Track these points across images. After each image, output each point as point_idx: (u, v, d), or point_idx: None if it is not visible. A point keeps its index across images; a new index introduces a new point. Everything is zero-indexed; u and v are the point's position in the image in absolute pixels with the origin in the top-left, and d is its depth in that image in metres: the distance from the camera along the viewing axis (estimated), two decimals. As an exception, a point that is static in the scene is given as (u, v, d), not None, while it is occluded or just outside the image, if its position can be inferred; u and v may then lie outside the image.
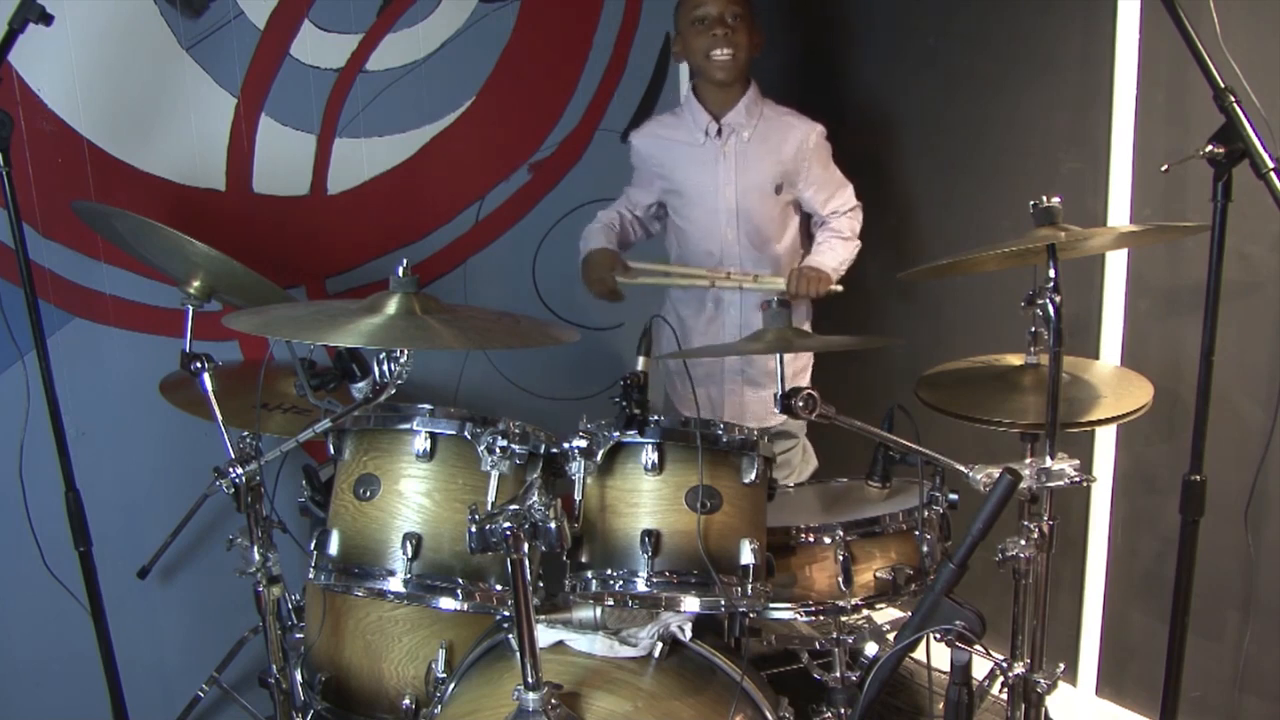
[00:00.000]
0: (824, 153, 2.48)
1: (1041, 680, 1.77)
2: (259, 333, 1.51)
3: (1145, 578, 2.30)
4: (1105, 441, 2.31)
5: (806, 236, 2.59)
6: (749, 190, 2.45)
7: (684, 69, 3.14)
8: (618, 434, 1.55)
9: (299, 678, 1.89)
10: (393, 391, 1.57)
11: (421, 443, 1.58)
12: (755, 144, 2.46)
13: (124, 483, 2.31)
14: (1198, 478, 1.76)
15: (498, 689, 1.54)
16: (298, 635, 1.92)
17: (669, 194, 2.56)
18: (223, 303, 1.92)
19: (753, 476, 1.60)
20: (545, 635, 1.60)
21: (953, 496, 1.85)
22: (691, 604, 1.55)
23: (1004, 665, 1.77)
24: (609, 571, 1.55)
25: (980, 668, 1.45)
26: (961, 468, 1.67)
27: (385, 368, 1.56)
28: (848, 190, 2.51)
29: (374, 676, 1.83)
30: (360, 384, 1.70)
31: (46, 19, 1.75)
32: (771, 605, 1.73)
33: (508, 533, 1.35)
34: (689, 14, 2.41)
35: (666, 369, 2.66)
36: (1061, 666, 1.82)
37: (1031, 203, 1.66)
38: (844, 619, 1.85)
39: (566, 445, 1.57)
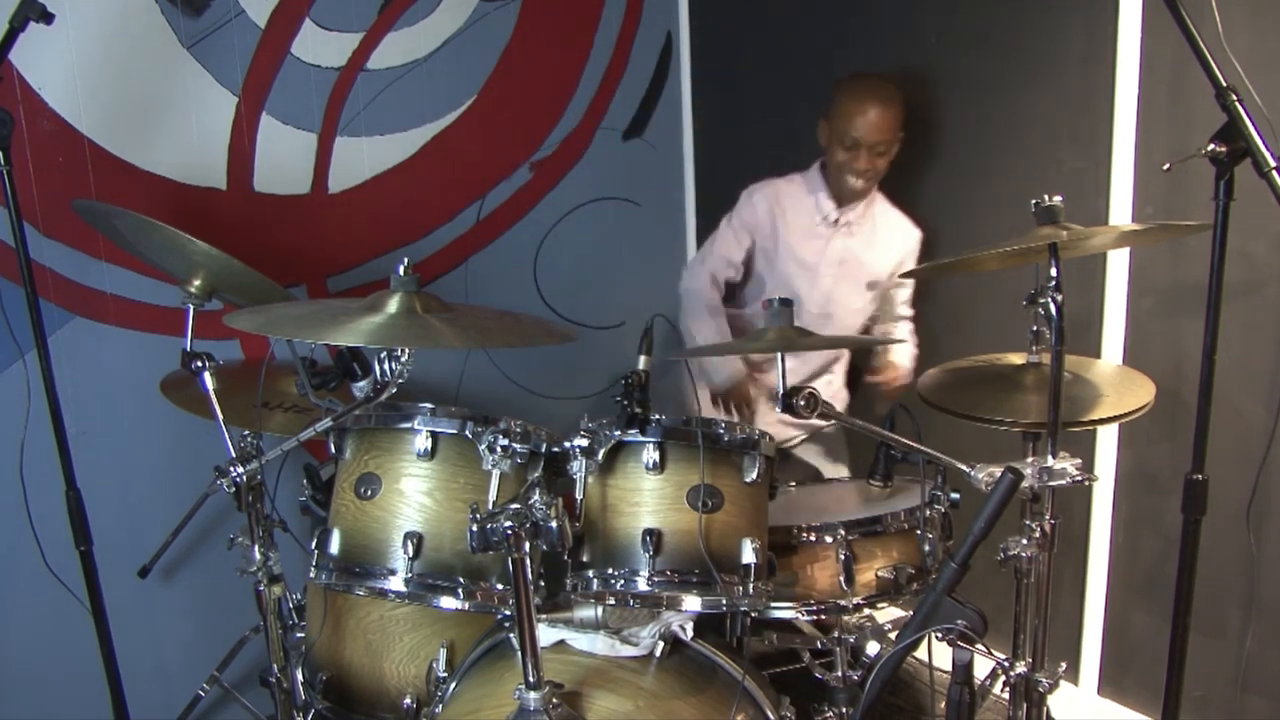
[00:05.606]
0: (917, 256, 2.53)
1: (1043, 679, 1.76)
2: (260, 331, 1.51)
3: (1147, 577, 2.29)
4: (1107, 440, 2.31)
5: None
6: (843, 279, 2.50)
7: (685, 69, 3.14)
8: (619, 433, 1.55)
9: (300, 677, 1.89)
10: (394, 390, 1.57)
11: (423, 442, 1.58)
12: (863, 239, 2.49)
13: (124, 482, 2.31)
14: (1199, 477, 1.76)
15: (499, 688, 1.54)
16: (299, 634, 1.92)
17: (763, 249, 2.55)
18: (223, 301, 1.92)
19: (754, 475, 1.59)
20: (546, 634, 1.60)
21: (954, 495, 1.86)
22: (693, 603, 1.55)
23: (1006, 664, 1.76)
24: (610, 571, 1.55)
25: (982, 667, 1.45)
26: (963, 467, 1.67)
27: (386, 367, 1.56)
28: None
29: (375, 676, 1.83)
30: (361, 383, 1.70)
31: (47, 17, 1.74)
32: (773, 604, 1.73)
33: (509, 532, 1.35)
34: (841, 123, 2.36)
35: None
36: (1063, 666, 1.81)
37: (1033, 201, 1.66)
38: (846, 618, 1.85)
39: (568, 444, 1.57)
